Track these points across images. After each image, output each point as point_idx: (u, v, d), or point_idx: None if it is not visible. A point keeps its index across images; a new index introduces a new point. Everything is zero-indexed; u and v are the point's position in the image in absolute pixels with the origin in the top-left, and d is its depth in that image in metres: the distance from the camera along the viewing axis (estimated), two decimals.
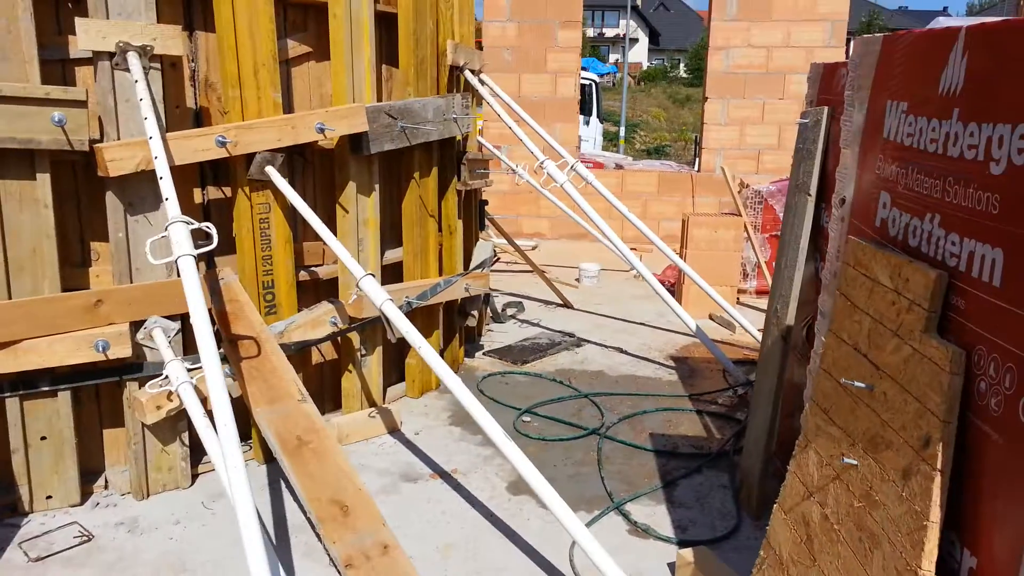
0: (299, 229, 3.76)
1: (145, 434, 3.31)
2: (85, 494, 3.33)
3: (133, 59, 2.97)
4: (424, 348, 2.96)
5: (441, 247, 4.63)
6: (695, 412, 4.47)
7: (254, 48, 3.31)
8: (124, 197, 3.13)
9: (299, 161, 3.75)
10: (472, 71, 4.70)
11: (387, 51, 4.12)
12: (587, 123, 18.99)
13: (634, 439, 4.07)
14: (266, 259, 3.54)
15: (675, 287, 6.58)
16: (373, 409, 4.08)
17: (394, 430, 4.07)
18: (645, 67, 52.84)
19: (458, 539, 3.15)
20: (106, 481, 3.44)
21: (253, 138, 3.30)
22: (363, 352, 4.02)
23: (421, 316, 4.41)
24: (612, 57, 52.46)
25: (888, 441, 1.67)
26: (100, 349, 3.10)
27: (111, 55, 2.98)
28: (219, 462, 2.68)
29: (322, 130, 3.46)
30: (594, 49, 49.24)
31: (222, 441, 2.40)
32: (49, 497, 3.23)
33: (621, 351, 5.51)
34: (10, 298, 3.00)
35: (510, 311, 6.25)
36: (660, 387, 4.86)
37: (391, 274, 4.31)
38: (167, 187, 2.74)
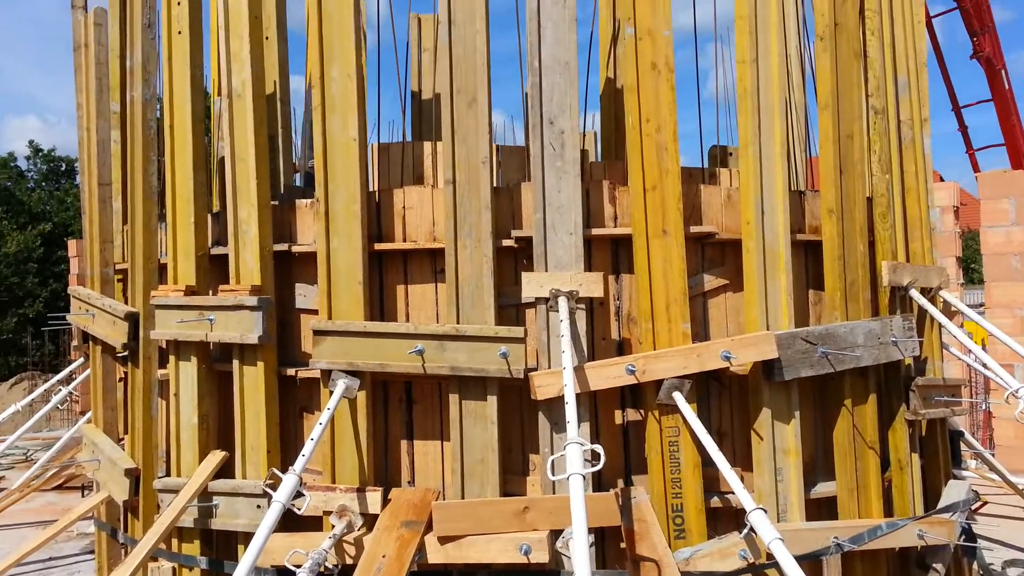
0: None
1: None
2: None
3: (562, 302, 3.54)
4: None
5: (890, 484, 4.08)
6: None
7: (666, 287, 3.63)
8: (551, 417, 3.62)
9: (714, 385, 3.84)
10: (924, 288, 4.28)
11: (814, 275, 4.06)
12: None
13: None
14: (675, 482, 3.61)
15: None
16: None
17: None
18: None
19: None
20: None
21: (659, 366, 3.54)
22: None
23: (862, 562, 3.87)
24: None
25: None
26: (523, 552, 3.48)
27: (546, 300, 3.61)
28: None
29: (727, 358, 3.53)
30: None
31: None
32: None
33: None
34: (463, 499, 3.64)
35: (1012, 572, 4.99)
36: None
37: (825, 510, 3.93)
38: (570, 412, 3.11)
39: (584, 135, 6.60)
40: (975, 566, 4.86)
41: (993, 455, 7.08)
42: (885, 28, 4.41)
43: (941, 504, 4.29)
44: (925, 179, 4.62)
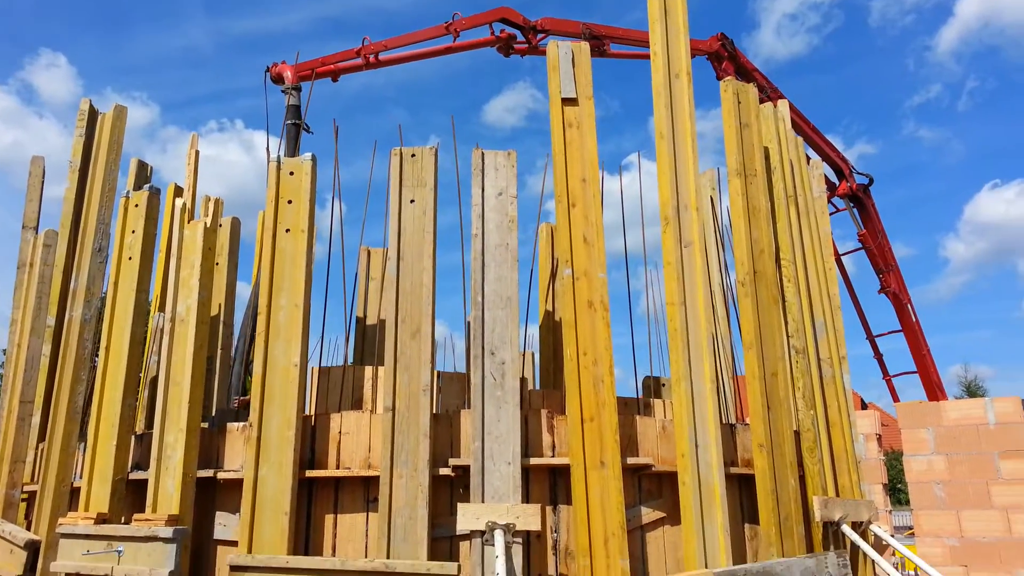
0: None
1: None
2: None
3: (499, 536, 3.44)
4: None
5: None
6: None
7: (604, 520, 3.58)
8: None
9: None
10: (855, 523, 4.31)
11: (749, 509, 4.08)
12: None
13: None
14: None
15: None
16: None
17: None
18: None
19: None
20: None
21: None
22: None
23: None
24: None
25: None
26: None
27: (482, 533, 3.50)
28: None
29: None
30: None
31: None
32: None
33: None
34: None
35: None
36: None
37: None
38: None
39: (523, 354, 6.73)
40: None
41: None
42: (800, 276, 4.82)
43: None
44: (848, 413, 4.82)
